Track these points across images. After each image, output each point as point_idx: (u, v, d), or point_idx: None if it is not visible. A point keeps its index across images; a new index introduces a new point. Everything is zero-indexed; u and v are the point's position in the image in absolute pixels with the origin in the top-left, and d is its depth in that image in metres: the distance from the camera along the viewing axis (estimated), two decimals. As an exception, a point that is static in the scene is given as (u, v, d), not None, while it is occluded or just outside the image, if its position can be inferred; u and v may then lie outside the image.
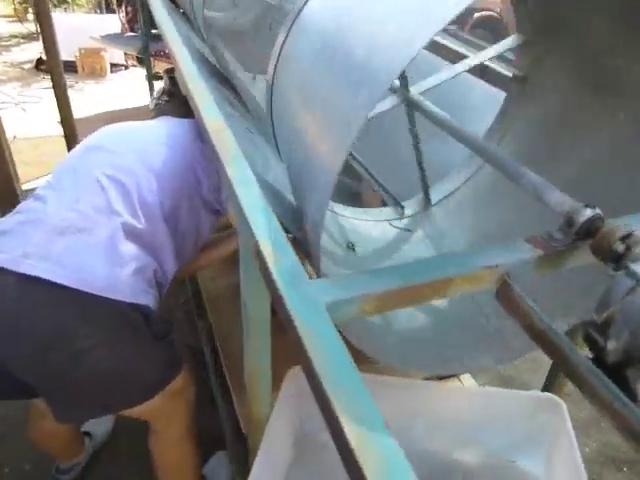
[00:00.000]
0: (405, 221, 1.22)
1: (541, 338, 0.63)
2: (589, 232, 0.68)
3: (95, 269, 1.03)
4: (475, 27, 6.34)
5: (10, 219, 1.13)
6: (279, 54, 0.93)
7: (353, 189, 1.73)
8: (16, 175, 2.56)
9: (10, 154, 2.40)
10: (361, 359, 0.98)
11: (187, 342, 2.34)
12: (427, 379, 1.32)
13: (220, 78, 1.64)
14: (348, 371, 0.49)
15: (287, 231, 0.73)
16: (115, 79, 7.35)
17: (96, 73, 7.35)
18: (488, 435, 1.12)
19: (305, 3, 0.90)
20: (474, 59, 1.11)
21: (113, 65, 7.64)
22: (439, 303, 1.03)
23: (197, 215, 1.25)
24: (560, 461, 0.98)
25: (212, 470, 1.66)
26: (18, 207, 1.16)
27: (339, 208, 1.25)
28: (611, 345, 0.55)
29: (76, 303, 1.01)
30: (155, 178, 1.16)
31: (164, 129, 1.30)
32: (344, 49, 0.70)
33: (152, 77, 3.34)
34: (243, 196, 0.75)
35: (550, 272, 0.70)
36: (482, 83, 1.33)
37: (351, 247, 1.07)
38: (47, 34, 3.88)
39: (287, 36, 0.92)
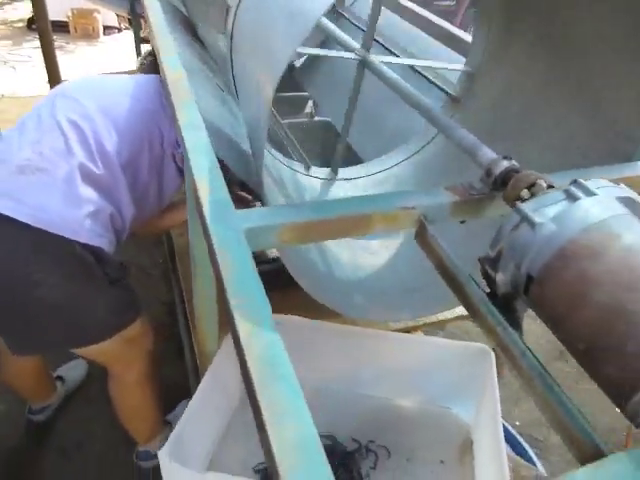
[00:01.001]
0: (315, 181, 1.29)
1: (447, 275, 0.69)
2: (504, 182, 0.73)
3: (51, 207, 1.08)
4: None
5: None
6: (237, 7, 0.97)
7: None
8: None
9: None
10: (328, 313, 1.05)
11: (163, 300, 2.41)
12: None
13: (196, 36, 1.67)
14: (250, 285, 0.54)
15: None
16: (108, 42, 7.24)
17: (89, 35, 7.24)
18: (426, 382, 1.19)
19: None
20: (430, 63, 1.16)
21: (106, 27, 7.51)
22: (383, 258, 1.09)
23: (159, 168, 1.29)
24: (485, 409, 1.06)
25: (177, 417, 1.74)
26: None
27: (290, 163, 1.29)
28: (499, 277, 0.61)
29: (31, 238, 1.06)
30: (114, 127, 1.20)
31: (132, 82, 1.34)
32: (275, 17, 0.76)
33: (140, 40, 3.31)
34: (188, 139, 0.79)
35: (466, 217, 0.75)
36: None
37: None
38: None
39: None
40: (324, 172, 1.35)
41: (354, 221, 0.68)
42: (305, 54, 2.21)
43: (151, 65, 1.48)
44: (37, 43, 5.30)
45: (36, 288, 1.09)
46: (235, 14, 0.98)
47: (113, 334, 1.25)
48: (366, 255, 1.09)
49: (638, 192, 0.65)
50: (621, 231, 0.53)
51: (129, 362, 1.40)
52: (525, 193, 0.68)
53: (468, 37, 1.38)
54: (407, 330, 1.41)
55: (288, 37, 0.73)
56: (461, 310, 1.29)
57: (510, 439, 1.42)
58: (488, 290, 0.65)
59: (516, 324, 0.62)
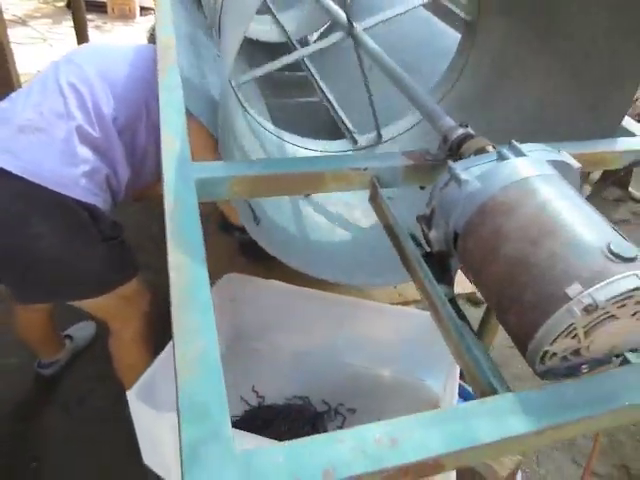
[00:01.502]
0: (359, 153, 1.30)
1: (392, 235, 0.71)
2: (459, 148, 0.75)
3: (47, 164, 1.15)
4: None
5: None
6: None
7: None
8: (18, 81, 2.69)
9: (18, 79, 2.51)
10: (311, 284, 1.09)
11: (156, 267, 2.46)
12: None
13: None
14: (190, 231, 0.59)
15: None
16: (143, 22, 7.37)
17: (125, 15, 7.38)
18: (403, 353, 1.22)
19: None
20: None
21: (143, 8, 7.62)
22: (359, 226, 1.12)
23: (158, 135, 1.33)
24: (451, 378, 1.08)
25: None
26: None
27: (297, 139, 1.32)
28: (432, 235, 0.64)
29: (28, 192, 1.13)
30: (112, 92, 1.25)
31: (133, 49, 1.39)
32: None
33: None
34: (164, 99, 0.84)
35: (420, 183, 0.78)
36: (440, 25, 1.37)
37: None
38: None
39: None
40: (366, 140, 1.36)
41: (305, 178, 0.71)
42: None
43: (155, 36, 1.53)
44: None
45: (33, 239, 1.16)
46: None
47: (109, 290, 1.32)
48: (347, 224, 1.11)
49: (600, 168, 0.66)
50: (539, 189, 0.55)
51: (125, 319, 1.47)
52: (476, 153, 0.70)
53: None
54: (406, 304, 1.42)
55: None
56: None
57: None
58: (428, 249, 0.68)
59: (448, 279, 0.64)
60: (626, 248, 0.47)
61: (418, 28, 1.45)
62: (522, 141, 0.88)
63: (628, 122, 1.00)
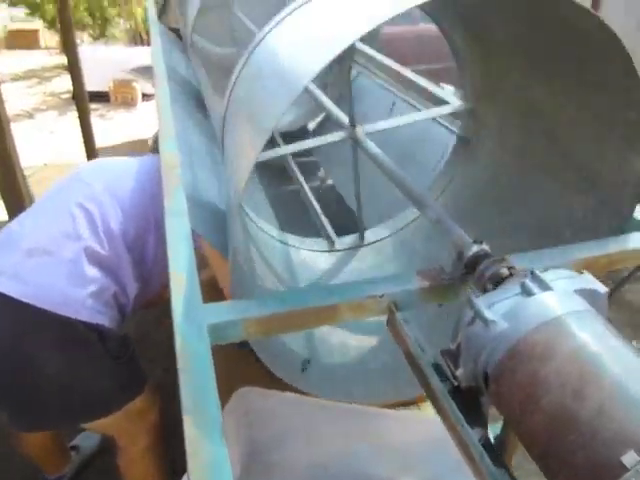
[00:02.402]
0: (337, 255, 1.29)
1: (413, 364, 0.68)
2: (474, 266, 0.73)
3: (54, 287, 1.14)
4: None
5: None
6: (235, 80, 1.02)
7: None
8: (32, 201, 2.73)
9: (24, 180, 2.56)
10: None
11: (164, 364, 2.40)
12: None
13: (202, 104, 1.76)
14: (204, 389, 0.55)
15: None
16: (145, 108, 7.69)
17: (127, 102, 7.72)
18: (428, 461, 1.15)
19: (260, 40, 0.99)
20: (423, 114, 1.20)
21: (145, 95, 7.99)
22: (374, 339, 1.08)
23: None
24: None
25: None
26: (2, 229, 1.29)
27: (275, 232, 1.31)
28: (460, 372, 0.60)
29: (34, 318, 1.12)
30: (120, 208, 1.27)
31: (137, 163, 1.42)
32: (275, 71, 0.81)
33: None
34: (170, 226, 0.83)
35: (437, 302, 0.75)
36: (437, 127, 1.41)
37: None
38: (74, 65, 4.12)
39: (243, 66, 1.01)
40: (346, 242, 1.36)
41: (321, 312, 0.69)
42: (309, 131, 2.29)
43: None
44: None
45: (38, 367, 1.13)
46: (234, 82, 1.03)
47: (114, 411, 1.27)
48: (358, 337, 1.08)
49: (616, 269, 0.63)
50: (573, 330, 0.52)
51: (133, 435, 1.41)
52: (489, 282, 0.68)
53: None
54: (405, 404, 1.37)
55: (278, 97, 0.74)
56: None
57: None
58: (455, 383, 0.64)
59: (480, 421, 0.60)
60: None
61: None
62: (528, 245, 0.87)
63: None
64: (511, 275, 0.64)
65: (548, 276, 0.59)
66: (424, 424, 1.17)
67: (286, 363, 0.90)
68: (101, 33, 11.20)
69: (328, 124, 2.29)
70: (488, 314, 0.56)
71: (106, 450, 1.94)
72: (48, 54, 11.96)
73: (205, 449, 0.49)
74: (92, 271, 1.21)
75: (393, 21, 0.66)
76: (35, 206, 1.34)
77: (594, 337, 0.51)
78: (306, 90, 1.49)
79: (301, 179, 1.50)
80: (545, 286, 0.57)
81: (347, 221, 1.51)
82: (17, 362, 1.14)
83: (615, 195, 0.93)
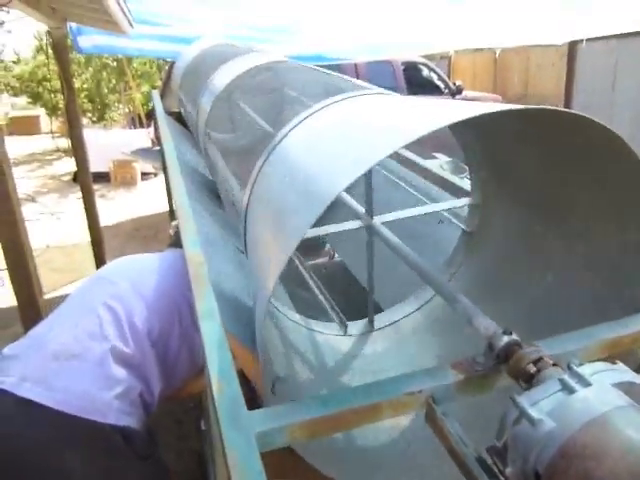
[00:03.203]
0: (350, 339, 1.31)
1: (457, 460, 0.68)
2: (507, 356, 0.75)
3: (81, 391, 1.14)
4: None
5: (20, 343, 1.27)
6: (256, 176, 1.07)
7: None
8: (39, 288, 2.74)
9: (35, 267, 2.59)
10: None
11: (194, 447, 2.35)
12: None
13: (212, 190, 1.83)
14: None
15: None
16: (144, 187, 7.88)
17: (127, 182, 7.92)
18: None
19: (283, 138, 1.06)
20: (433, 207, 1.28)
21: (144, 174, 8.22)
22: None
23: (190, 339, 1.34)
24: None
25: None
26: (29, 332, 1.30)
27: (291, 314, 1.33)
28: (508, 470, 0.61)
29: (60, 424, 1.10)
30: (145, 305, 1.29)
31: (159, 259, 1.46)
32: (299, 178, 0.85)
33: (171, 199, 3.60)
34: (205, 330, 0.85)
35: (473, 394, 0.76)
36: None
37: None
38: (78, 149, 4.26)
39: (264, 163, 1.06)
40: (358, 327, 1.38)
41: (363, 412, 0.70)
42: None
43: (179, 238, 1.61)
44: (80, 194, 5.79)
45: (65, 473, 1.11)
46: (254, 181, 1.08)
47: None
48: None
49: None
50: (621, 427, 0.54)
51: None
52: (531, 367, 0.70)
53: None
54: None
55: (301, 216, 0.77)
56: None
57: None
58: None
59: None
60: None
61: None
62: (547, 329, 0.89)
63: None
64: (549, 365, 0.66)
65: (586, 370, 0.61)
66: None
67: (326, 457, 0.90)
68: (100, 117, 11.63)
69: (334, 205, 2.35)
70: (534, 413, 0.58)
71: None
72: (48, 138, 12.35)
73: None
74: (119, 371, 1.21)
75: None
76: (61, 307, 1.36)
77: (635, 431, 0.53)
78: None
79: (307, 273, 1.54)
80: (585, 382, 0.59)
81: (362, 299, 1.54)
82: (44, 469, 1.11)
83: (629, 278, 0.96)
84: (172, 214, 2.89)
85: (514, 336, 0.77)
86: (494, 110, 0.69)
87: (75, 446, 1.13)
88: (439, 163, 3.02)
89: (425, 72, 7.69)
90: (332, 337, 1.29)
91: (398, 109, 0.87)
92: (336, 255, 2.37)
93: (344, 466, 0.92)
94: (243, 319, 1.01)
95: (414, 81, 7.29)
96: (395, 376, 0.76)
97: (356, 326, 1.34)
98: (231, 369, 0.75)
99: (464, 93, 7.68)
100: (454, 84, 7.75)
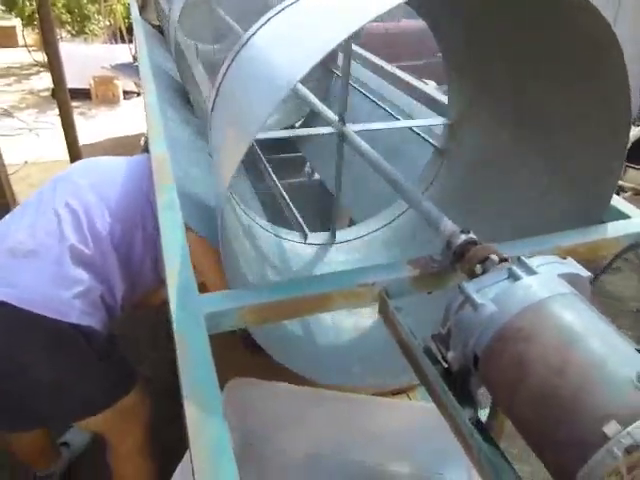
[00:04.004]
0: (328, 247, 1.32)
1: (405, 350, 0.70)
2: (462, 253, 0.76)
3: (40, 289, 1.14)
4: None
5: None
6: (222, 78, 1.03)
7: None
8: (14, 200, 2.70)
9: (7, 179, 2.53)
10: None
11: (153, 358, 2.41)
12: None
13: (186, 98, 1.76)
14: (204, 371, 0.57)
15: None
16: (126, 105, 7.60)
17: (109, 100, 7.62)
18: (418, 448, 1.17)
19: (249, 38, 1.00)
20: (408, 122, 1.24)
21: (126, 93, 7.90)
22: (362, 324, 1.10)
23: (154, 244, 1.33)
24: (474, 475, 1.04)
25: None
26: None
27: (263, 223, 1.33)
28: (450, 355, 0.63)
29: (20, 320, 1.11)
30: (107, 207, 1.26)
31: (125, 163, 1.42)
32: (261, 71, 0.81)
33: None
34: (163, 220, 0.84)
35: (427, 290, 0.77)
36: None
37: None
38: (55, 63, 4.08)
39: (230, 64, 1.02)
40: (320, 237, 1.39)
41: (314, 300, 0.71)
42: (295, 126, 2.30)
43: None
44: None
45: (25, 369, 1.13)
46: (220, 80, 1.04)
47: (103, 410, 1.27)
48: (364, 320, 1.10)
49: (597, 256, 0.66)
50: (556, 312, 0.55)
51: (123, 433, 1.41)
52: (478, 268, 0.70)
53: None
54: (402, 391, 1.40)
55: (263, 100, 0.76)
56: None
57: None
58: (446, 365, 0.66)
59: (470, 400, 0.62)
60: (657, 378, 0.46)
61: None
62: (511, 235, 0.90)
63: (618, 202, 1.02)
64: (499, 261, 0.67)
65: (534, 262, 0.62)
66: (413, 411, 1.20)
67: (282, 346, 0.92)
68: (80, 30, 11.00)
69: (313, 124, 2.30)
70: (478, 298, 0.59)
71: (97, 446, 1.95)
72: (26, 52, 11.73)
73: (207, 431, 0.51)
74: (78, 272, 1.20)
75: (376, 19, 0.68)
76: (22, 206, 1.33)
77: (576, 317, 0.54)
78: (293, 89, 1.51)
79: (273, 176, 1.51)
80: (531, 271, 0.60)
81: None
82: (4, 366, 1.13)
83: (594, 188, 0.96)
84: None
85: (471, 235, 0.77)
86: None
87: (35, 343, 1.15)
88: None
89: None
90: (298, 245, 1.29)
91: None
92: (315, 175, 2.34)
93: (297, 356, 0.95)
94: (205, 218, 0.99)
95: None
96: (349, 269, 0.76)
97: (319, 236, 1.34)
98: (185, 255, 0.75)
99: None
100: None
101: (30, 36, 11.98)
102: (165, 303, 1.80)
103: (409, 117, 1.50)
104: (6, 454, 1.75)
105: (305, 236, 1.35)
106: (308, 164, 2.32)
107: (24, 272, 1.16)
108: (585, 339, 0.51)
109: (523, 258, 0.62)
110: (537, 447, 0.51)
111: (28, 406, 1.20)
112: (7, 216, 1.34)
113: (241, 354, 1.38)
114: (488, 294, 0.59)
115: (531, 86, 1.03)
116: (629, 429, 0.44)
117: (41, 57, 10.55)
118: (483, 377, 0.59)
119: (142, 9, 3.92)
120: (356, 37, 2.10)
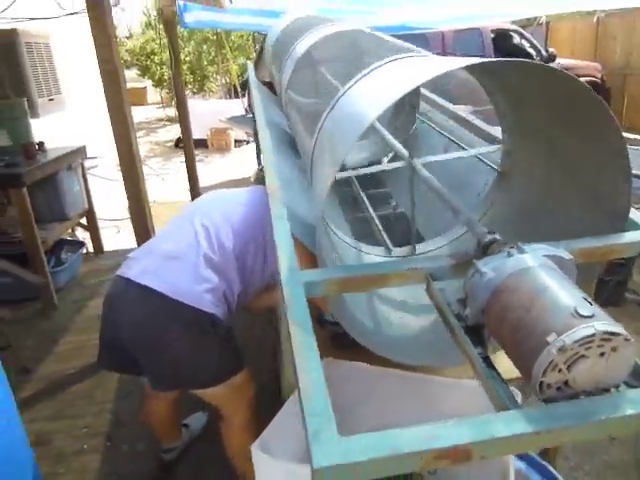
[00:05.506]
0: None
1: (443, 316, 0.98)
2: (488, 248, 1.03)
3: (183, 284, 1.56)
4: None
5: (139, 250, 1.76)
6: (321, 125, 1.39)
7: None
8: (153, 229, 3.28)
9: (150, 212, 3.12)
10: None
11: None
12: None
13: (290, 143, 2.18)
14: (301, 316, 0.89)
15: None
16: (237, 153, 8.48)
17: (222, 148, 8.56)
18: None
19: (343, 93, 1.36)
20: (466, 153, 1.53)
21: (237, 141, 8.82)
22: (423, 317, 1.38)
23: (262, 255, 1.72)
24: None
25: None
26: (144, 244, 1.76)
27: (349, 240, 1.65)
28: (467, 312, 0.90)
29: (168, 305, 1.54)
30: (231, 228, 1.68)
31: (245, 193, 1.85)
32: (348, 115, 1.16)
33: (260, 151, 4.02)
34: (277, 228, 1.20)
35: (461, 276, 1.05)
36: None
37: None
38: (183, 118, 4.83)
39: (328, 113, 1.38)
40: (401, 251, 1.69)
41: (377, 278, 1.01)
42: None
43: (263, 177, 1.99)
44: (182, 158, 6.42)
45: (171, 340, 1.54)
46: (322, 124, 1.39)
47: (223, 380, 1.65)
48: (410, 317, 1.39)
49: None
50: (533, 274, 0.81)
51: (236, 407, 1.77)
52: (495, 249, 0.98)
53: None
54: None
55: (345, 137, 1.09)
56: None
57: None
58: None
59: (482, 343, 0.89)
60: (587, 309, 0.71)
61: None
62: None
63: (636, 215, 1.22)
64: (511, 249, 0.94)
65: (527, 247, 0.89)
66: (470, 390, 1.42)
67: (360, 331, 1.23)
68: (199, 88, 12.43)
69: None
70: (483, 268, 0.87)
71: (211, 430, 2.33)
72: (153, 108, 13.40)
73: (310, 372, 0.80)
74: (208, 273, 1.62)
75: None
76: (166, 228, 1.80)
77: (545, 277, 0.80)
78: (376, 132, 1.86)
79: (367, 202, 1.84)
80: (522, 251, 0.87)
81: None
82: (157, 340, 1.56)
83: (612, 204, 1.18)
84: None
85: (496, 235, 1.04)
86: (478, 62, 0.96)
87: (177, 322, 1.56)
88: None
89: (516, 39, 7.52)
90: (379, 258, 1.60)
91: (423, 64, 1.14)
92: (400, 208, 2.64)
93: (371, 339, 1.24)
94: (306, 230, 1.35)
95: (504, 49, 7.17)
96: (403, 258, 1.06)
97: (400, 251, 1.64)
98: (292, 250, 1.09)
99: (557, 61, 7.43)
100: (547, 51, 7.51)
101: (158, 95, 13.66)
102: (267, 309, 2.22)
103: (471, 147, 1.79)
104: (142, 430, 2.19)
105: (389, 250, 1.65)
106: (393, 198, 2.64)
107: (171, 271, 1.59)
108: (548, 289, 0.78)
109: (519, 244, 0.89)
110: (512, 356, 0.78)
111: (173, 371, 1.61)
112: (158, 233, 1.81)
113: (329, 351, 1.70)
114: (490, 266, 0.87)
115: (559, 137, 1.28)
116: (562, 336, 0.70)
117: (165, 113, 12.01)
118: (487, 323, 0.86)
119: (255, 68, 4.57)
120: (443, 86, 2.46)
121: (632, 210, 1.20)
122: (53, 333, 3.32)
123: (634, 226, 1.19)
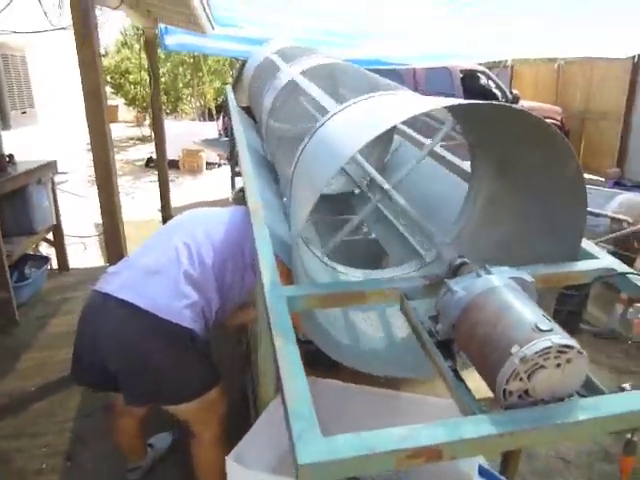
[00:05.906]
0: None
1: (416, 332, 1.05)
2: (458, 270, 1.12)
3: (162, 299, 1.58)
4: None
5: (119, 264, 1.77)
6: (300, 154, 1.47)
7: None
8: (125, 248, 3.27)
9: (123, 232, 3.10)
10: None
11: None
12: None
13: (274, 174, 2.25)
14: (285, 328, 0.95)
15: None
16: (208, 175, 8.51)
17: (194, 170, 8.57)
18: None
19: (322, 124, 1.44)
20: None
21: (209, 163, 8.86)
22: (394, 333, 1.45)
23: (241, 273, 1.76)
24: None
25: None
26: (125, 258, 1.78)
27: (345, 269, 1.72)
28: (439, 328, 0.98)
29: (146, 319, 1.56)
30: (211, 246, 1.72)
31: (227, 213, 1.90)
32: (329, 146, 1.23)
33: (235, 175, 4.07)
34: (259, 242, 1.26)
35: (433, 295, 1.13)
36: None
37: None
38: (159, 137, 4.86)
39: (307, 143, 1.45)
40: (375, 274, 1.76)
41: (355, 295, 1.08)
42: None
43: (242, 198, 2.05)
44: (152, 178, 6.39)
45: (150, 353, 1.56)
46: (301, 151, 1.47)
47: (198, 395, 1.67)
48: (387, 334, 1.46)
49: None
50: (499, 293, 0.90)
51: (207, 422, 1.79)
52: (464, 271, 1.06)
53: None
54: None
55: (327, 167, 1.15)
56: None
57: None
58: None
59: (452, 357, 0.96)
60: (546, 324, 0.80)
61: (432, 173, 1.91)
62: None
63: (589, 246, 1.33)
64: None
65: (494, 269, 0.97)
66: (437, 406, 1.49)
67: (332, 345, 1.29)
68: (173, 109, 12.46)
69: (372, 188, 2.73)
70: (454, 287, 0.95)
71: (176, 450, 2.32)
72: (125, 127, 13.33)
73: (294, 377, 0.86)
74: (187, 289, 1.65)
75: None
76: (147, 242, 1.83)
77: (510, 296, 0.89)
78: (355, 162, 1.95)
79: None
80: (489, 272, 0.96)
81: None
82: (137, 353, 1.57)
83: (568, 233, 1.29)
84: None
85: (465, 259, 1.13)
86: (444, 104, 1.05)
87: (157, 336, 1.58)
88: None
89: (483, 80, 7.89)
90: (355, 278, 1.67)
91: (401, 102, 1.24)
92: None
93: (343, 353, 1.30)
94: (285, 248, 1.41)
95: (471, 89, 7.51)
96: (382, 278, 1.14)
97: (375, 273, 1.72)
98: (273, 265, 1.15)
99: (521, 102, 7.82)
100: (511, 93, 7.91)
101: (129, 114, 13.60)
102: (239, 328, 2.26)
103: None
104: (110, 451, 2.16)
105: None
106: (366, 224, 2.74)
107: (151, 286, 1.62)
108: (512, 307, 0.86)
109: (487, 267, 0.98)
110: (479, 368, 0.85)
111: (145, 384, 1.61)
112: (137, 249, 1.83)
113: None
114: (461, 285, 0.95)
115: (520, 167, 1.39)
116: (523, 348, 0.78)
117: (137, 132, 11.96)
118: (457, 339, 0.94)
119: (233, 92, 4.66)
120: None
121: (584, 241, 1.31)
122: (15, 349, 3.23)
123: (588, 255, 1.30)
